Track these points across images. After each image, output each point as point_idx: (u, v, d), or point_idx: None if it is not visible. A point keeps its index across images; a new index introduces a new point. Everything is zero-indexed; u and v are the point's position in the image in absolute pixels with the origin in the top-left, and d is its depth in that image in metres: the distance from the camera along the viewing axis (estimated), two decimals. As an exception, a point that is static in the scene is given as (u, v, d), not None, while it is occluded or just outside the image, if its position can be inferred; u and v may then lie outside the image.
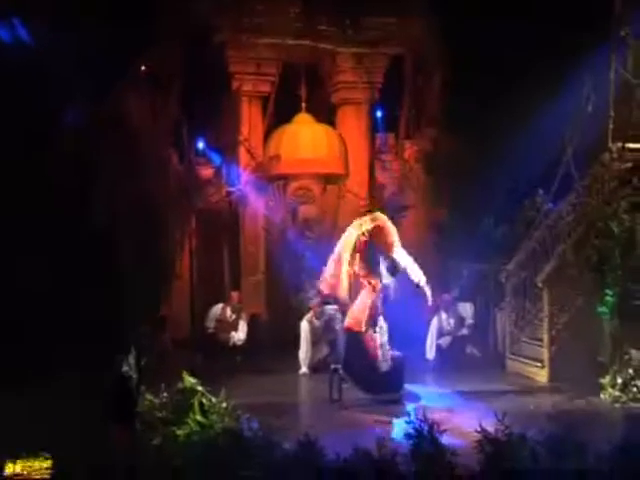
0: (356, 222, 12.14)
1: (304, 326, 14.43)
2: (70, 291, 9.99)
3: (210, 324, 15.32)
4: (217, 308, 15.41)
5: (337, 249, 12.03)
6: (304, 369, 14.26)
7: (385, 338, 11.93)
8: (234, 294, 15.73)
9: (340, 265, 11.92)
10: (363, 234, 12.00)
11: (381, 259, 12.06)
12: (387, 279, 12.08)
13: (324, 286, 12.21)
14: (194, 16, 15.74)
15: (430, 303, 12.32)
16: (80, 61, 10.90)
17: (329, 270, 12.03)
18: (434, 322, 15.26)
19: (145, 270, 13.33)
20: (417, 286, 12.14)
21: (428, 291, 12.14)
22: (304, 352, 14.33)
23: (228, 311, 15.34)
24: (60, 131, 11.02)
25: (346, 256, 11.89)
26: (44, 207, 10.10)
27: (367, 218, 12.13)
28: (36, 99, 10.44)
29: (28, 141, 10.46)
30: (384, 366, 11.85)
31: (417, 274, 12.09)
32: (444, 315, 15.32)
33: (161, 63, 15.53)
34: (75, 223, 10.39)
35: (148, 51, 14.97)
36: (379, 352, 11.85)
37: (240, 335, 15.23)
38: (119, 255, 10.87)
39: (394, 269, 12.03)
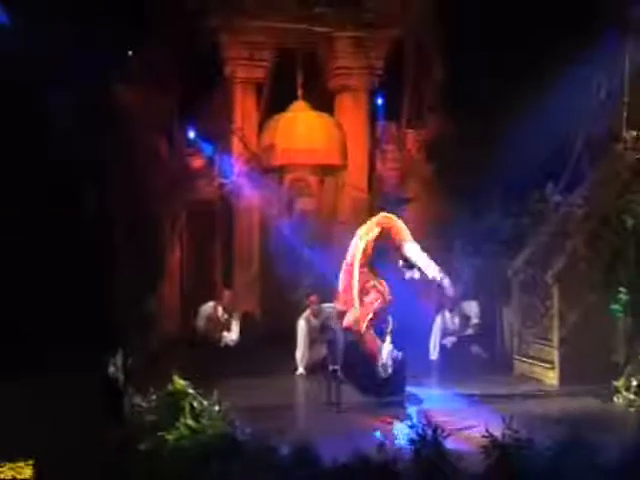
0: (362, 230, 12.02)
1: (301, 325, 14.42)
2: (54, 288, 9.96)
3: (200, 323, 15.31)
4: (208, 306, 15.40)
5: (346, 261, 11.95)
6: (301, 370, 14.25)
7: (389, 348, 11.91)
8: (226, 293, 15.71)
9: (351, 278, 11.88)
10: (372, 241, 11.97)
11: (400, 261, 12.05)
12: (410, 273, 12.00)
13: (338, 301, 12.13)
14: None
15: (450, 294, 12.09)
16: (69, 50, 10.88)
17: (341, 284, 11.99)
18: (438, 321, 15.27)
19: (133, 266, 13.31)
20: (437, 285, 12.08)
21: (447, 284, 12.00)
22: (301, 352, 14.32)
23: (220, 310, 15.33)
24: (48, 121, 11.01)
25: (356, 265, 11.85)
26: (29, 202, 10.10)
27: (372, 225, 12.03)
28: (23, 89, 10.44)
29: (15, 132, 10.46)
30: (383, 373, 11.85)
31: (432, 270, 11.97)
32: (448, 314, 15.33)
33: (153, 51, 15.53)
34: (60, 219, 10.36)
35: (139, 39, 14.96)
36: (379, 357, 11.84)
37: (232, 336, 15.22)
38: (106, 250, 10.84)
39: (409, 265, 12.00)
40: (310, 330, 14.39)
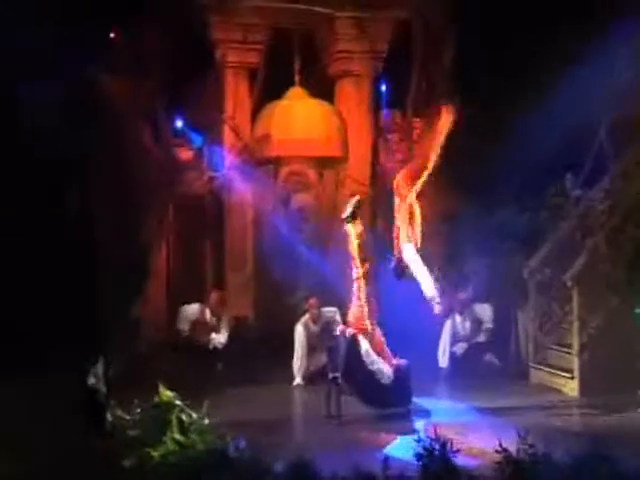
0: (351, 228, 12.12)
1: (299, 331, 14.39)
2: (33, 288, 10.05)
3: (184, 326, 15.20)
4: (192, 308, 15.30)
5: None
6: (298, 380, 14.22)
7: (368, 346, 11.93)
8: (214, 295, 15.63)
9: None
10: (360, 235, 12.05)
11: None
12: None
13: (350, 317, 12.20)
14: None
15: (437, 313, 12.23)
16: (49, 40, 10.92)
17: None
18: (447, 325, 15.22)
19: (117, 266, 13.32)
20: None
21: (437, 309, 12.11)
22: (299, 361, 14.29)
23: (207, 313, 15.26)
24: (29, 112, 11.08)
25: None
26: (20, 202, 10.21)
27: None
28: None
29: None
30: (383, 378, 11.84)
31: (428, 288, 12.06)
32: (459, 318, 15.29)
33: (136, 33, 15.52)
34: (39, 215, 10.43)
35: (123, 21, 14.98)
36: (368, 364, 11.85)
37: (221, 338, 15.14)
38: (89, 249, 10.90)
39: (401, 272, 12.11)
40: (309, 336, 14.37)
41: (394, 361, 12.00)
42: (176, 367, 13.91)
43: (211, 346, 15.11)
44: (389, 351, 12.08)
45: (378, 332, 12.03)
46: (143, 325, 15.35)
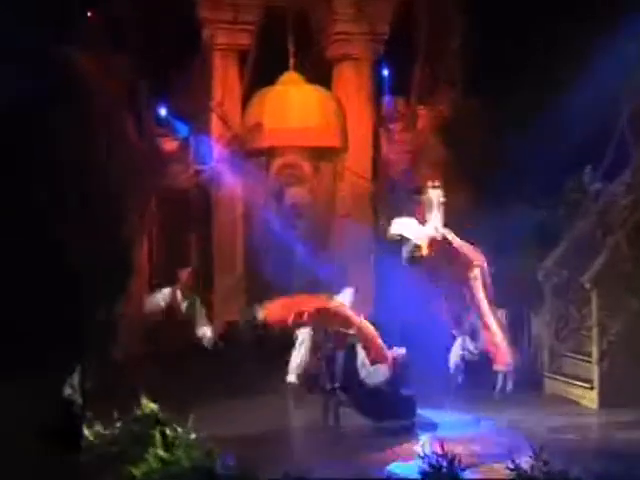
0: None
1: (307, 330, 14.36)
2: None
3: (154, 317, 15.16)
4: (162, 293, 15.20)
5: None
6: (292, 378, 14.04)
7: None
8: (183, 272, 15.54)
9: None
10: None
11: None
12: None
13: None
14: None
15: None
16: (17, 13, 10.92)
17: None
18: (458, 342, 15.12)
19: (95, 265, 13.26)
20: None
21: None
22: (298, 357, 14.15)
23: (178, 295, 15.17)
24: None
25: None
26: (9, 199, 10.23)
27: None
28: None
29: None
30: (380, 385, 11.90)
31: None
32: (470, 343, 15.13)
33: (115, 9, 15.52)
34: (11, 207, 10.44)
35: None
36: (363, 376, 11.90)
37: (207, 332, 15.09)
38: (63, 247, 10.89)
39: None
40: (314, 336, 14.29)
41: (390, 354, 12.05)
42: (159, 374, 13.91)
43: (206, 344, 15.03)
44: (384, 346, 12.09)
45: (370, 327, 12.09)
46: (122, 328, 15.31)
